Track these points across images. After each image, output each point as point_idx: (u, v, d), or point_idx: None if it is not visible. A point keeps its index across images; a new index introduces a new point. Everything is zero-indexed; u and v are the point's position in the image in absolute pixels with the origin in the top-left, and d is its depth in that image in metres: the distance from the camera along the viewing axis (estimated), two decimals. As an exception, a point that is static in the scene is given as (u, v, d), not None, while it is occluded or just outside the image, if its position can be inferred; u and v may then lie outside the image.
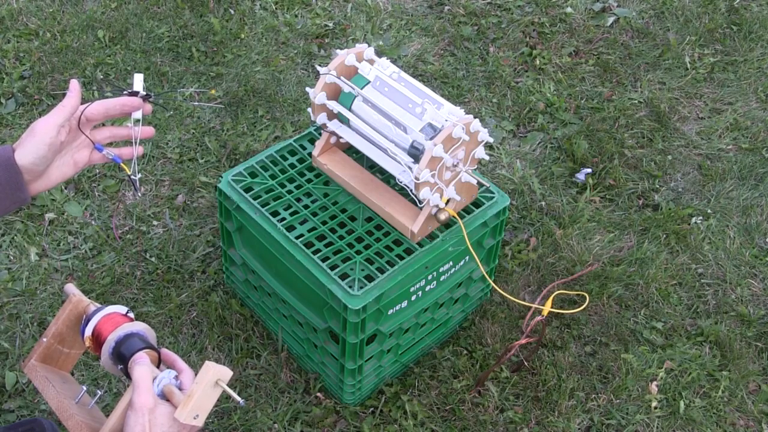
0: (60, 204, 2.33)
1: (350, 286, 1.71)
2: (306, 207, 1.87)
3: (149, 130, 1.45)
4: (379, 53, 2.64)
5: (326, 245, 1.80)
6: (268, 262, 1.92)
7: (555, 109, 2.72)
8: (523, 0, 3.12)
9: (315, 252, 1.77)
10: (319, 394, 1.97)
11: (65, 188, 2.36)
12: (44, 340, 1.38)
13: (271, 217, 1.82)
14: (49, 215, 2.30)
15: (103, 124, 1.45)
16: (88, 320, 1.32)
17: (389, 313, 1.82)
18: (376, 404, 1.96)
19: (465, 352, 2.08)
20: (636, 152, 2.61)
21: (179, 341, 2.06)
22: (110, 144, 1.46)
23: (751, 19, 3.06)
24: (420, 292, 1.87)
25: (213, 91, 2.69)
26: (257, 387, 1.99)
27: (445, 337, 2.10)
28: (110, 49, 2.81)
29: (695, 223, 2.41)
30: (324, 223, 1.84)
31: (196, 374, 1.23)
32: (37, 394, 1.94)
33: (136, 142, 1.43)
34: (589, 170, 2.53)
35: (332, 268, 1.74)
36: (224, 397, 1.95)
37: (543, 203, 2.43)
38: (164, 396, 1.24)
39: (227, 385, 1.23)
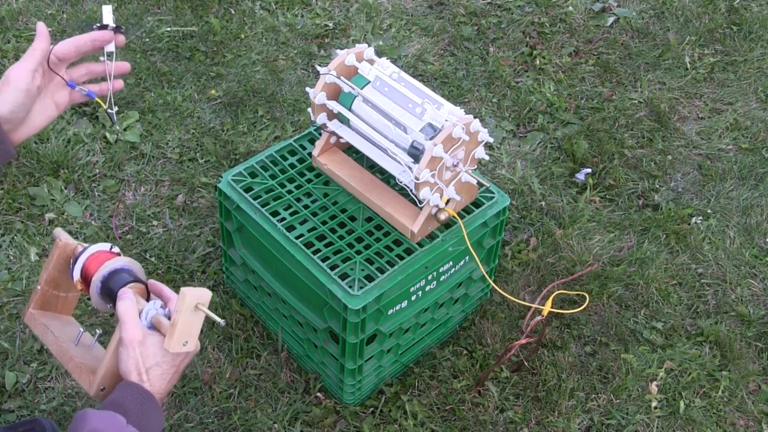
0: (60, 204, 2.33)
1: (350, 286, 1.71)
2: (306, 207, 1.87)
3: (124, 65, 1.43)
4: (379, 53, 2.64)
5: (326, 245, 1.80)
6: (268, 262, 1.92)
7: (555, 109, 2.72)
8: (523, 0, 3.12)
9: (315, 252, 1.77)
10: (319, 394, 1.97)
11: (65, 188, 2.37)
12: (39, 287, 1.37)
13: (271, 217, 1.82)
14: (49, 215, 2.30)
15: (81, 63, 1.43)
16: (75, 262, 1.31)
17: (389, 313, 1.82)
18: (376, 404, 1.96)
19: (465, 352, 2.08)
20: (636, 152, 2.61)
21: (179, 341, 2.06)
22: (89, 81, 1.43)
23: (751, 19, 3.06)
24: (420, 292, 1.87)
25: (213, 91, 2.70)
26: (257, 387, 1.99)
27: (445, 337, 2.10)
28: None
29: (695, 223, 2.42)
30: (324, 223, 1.84)
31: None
32: (37, 393, 1.94)
33: (110, 76, 1.41)
34: (589, 170, 2.53)
35: (332, 268, 1.74)
36: (225, 397, 1.95)
37: (543, 203, 2.43)
38: (154, 327, 1.24)
39: (208, 306, 1.23)
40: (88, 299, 1.38)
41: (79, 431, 1.11)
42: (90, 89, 1.41)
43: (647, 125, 2.69)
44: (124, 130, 2.55)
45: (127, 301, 1.22)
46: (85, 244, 1.34)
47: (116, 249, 1.33)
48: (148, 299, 1.30)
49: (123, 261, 1.30)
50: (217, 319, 1.24)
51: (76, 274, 1.31)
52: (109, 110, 1.42)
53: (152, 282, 1.31)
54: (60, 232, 1.37)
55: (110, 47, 1.40)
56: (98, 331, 1.36)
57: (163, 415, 1.27)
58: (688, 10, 3.08)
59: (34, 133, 1.37)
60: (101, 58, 1.41)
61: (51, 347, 1.34)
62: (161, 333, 1.23)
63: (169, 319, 1.24)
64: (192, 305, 1.22)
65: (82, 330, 1.35)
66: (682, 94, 2.81)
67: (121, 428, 1.13)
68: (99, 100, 1.42)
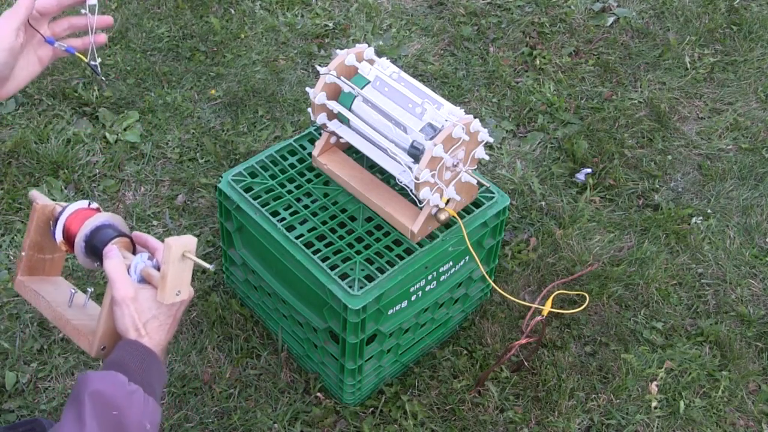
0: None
1: (350, 286, 1.71)
2: (306, 207, 1.87)
3: (107, 19, 1.42)
4: (379, 53, 2.64)
5: (326, 245, 1.80)
6: (268, 262, 1.92)
7: (555, 109, 2.72)
8: (523, 0, 3.12)
9: (315, 252, 1.77)
10: (319, 394, 1.97)
11: (65, 188, 2.37)
12: (23, 253, 1.35)
13: (271, 217, 1.82)
14: (49, 215, 2.30)
15: (63, 17, 1.42)
16: (56, 223, 1.29)
17: (389, 313, 1.82)
18: (376, 404, 1.96)
19: (465, 352, 2.08)
20: (636, 152, 2.61)
21: (179, 341, 2.06)
22: (72, 35, 1.42)
23: (751, 19, 3.06)
24: (420, 292, 1.87)
25: (213, 91, 2.70)
26: (257, 387, 1.99)
27: (445, 337, 2.10)
28: (110, 49, 2.81)
29: (695, 223, 2.42)
30: (324, 223, 1.84)
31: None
32: (37, 393, 1.94)
33: (92, 30, 1.40)
34: (589, 170, 2.53)
35: (332, 268, 1.75)
36: (225, 397, 1.95)
37: (543, 203, 2.43)
38: (145, 280, 1.23)
39: (194, 252, 1.22)
40: (74, 258, 1.37)
41: (81, 395, 1.11)
42: (72, 44, 1.40)
43: (647, 125, 2.69)
44: (124, 130, 2.55)
45: (114, 259, 1.21)
46: (64, 204, 1.31)
47: (95, 205, 1.30)
48: (134, 252, 1.29)
49: (104, 217, 1.28)
50: (205, 265, 1.22)
51: (59, 236, 1.29)
52: (92, 62, 1.41)
53: (137, 234, 1.29)
54: (36, 195, 1.34)
55: (92, 0, 1.39)
56: (90, 290, 1.34)
57: (165, 370, 1.26)
58: (688, 10, 3.08)
59: (19, 89, 1.36)
60: (83, 11, 1.39)
61: (45, 313, 1.32)
62: (153, 285, 1.22)
63: (158, 269, 1.23)
64: (179, 254, 1.20)
65: (73, 290, 1.32)
66: (682, 94, 2.81)
67: (123, 387, 1.13)
68: (79, 55, 1.41)
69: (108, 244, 1.24)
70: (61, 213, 1.29)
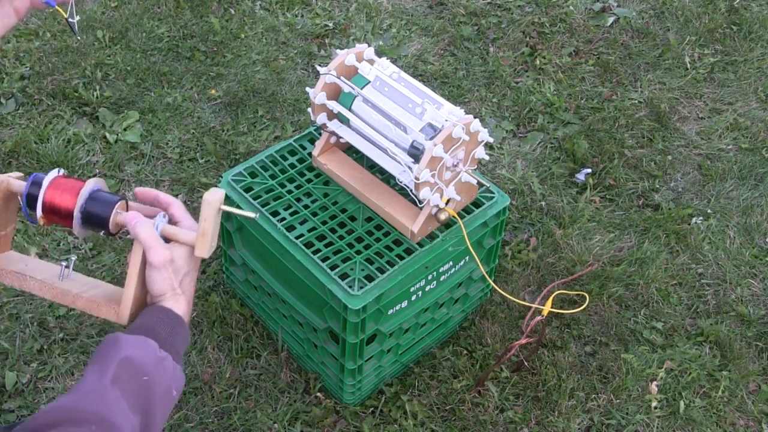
0: (60, 204, 2.33)
1: (350, 286, 1.71)
2: (306, 207, 1.87)
3: None
4: (379, 53, 2.64)
5: (326, 245, 1.80)
6: (268, 262, 1.92)
7: (555, 109, 2.72)
8: (523, 0, 3.12)
9: (315, 252, 1.77)
10: (319, 394, 1.97)
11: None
12: None
13: (271, 217, 1.82)
14: (49, 215, 2.30)
15: None
16: (31, 199, 1.23)
17: (389, 313, 1.82)
18: (376, 404, 1.96)
19: (465, 352, 2.08)
20: (636, 152, 2.61)
21: (179, 341, 2.06)
22: None
23: (751, 19, 3.06)
24: (420, 292, 1.87)
25: (213, 91, 2.70)
26: (257, 387, 1.99)
27: (445, 337, 2.10)
28: (110, 49, 2.81)
29: (695, 223, 2.42)
30: (324, 223, 1.84)
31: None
32: (37, 393, 1.94)
33: None
34: (589, 170, 2.53)
35: (332, 268, 1.74)
36: (225, 397, 1.95)
37: (543, 203, 2.43)
38: (166, 239, 1.22)
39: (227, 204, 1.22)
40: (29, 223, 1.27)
41: (111, 360, 1.10)
42: None
43: (647, 125, 2.69)
44: (124, 130, 2.55)
45: (145, 225, 1.20)
46: (19, 174, 1.27)
47: (63, 171, 1.26)
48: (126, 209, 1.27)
49: (93, 183, 1.25)
50: (248, 214, 1.25)
51: (39, 212, 1.23)
52: (70, 20, 1.38)
53: (144, 190, 1.27)
54: None
55: None
56: (73, 257, 1.31)
57: (189, 335, 1.25)
58: (688, 10, 3.08)
59: None
60: None
61: (41, 293, 1.27)
62: (175, 242, 1.22)
63: (175, 223, 1.23)
64: (217, 209, 1.21)
65: (64, 263, 1.28)
66: (682, 94, 2.81)
67: (155, 353, 1.13)
68: (59, 9, 1.39)
69: (112, 210, 1.22)
70: (31, 188, 1.23)
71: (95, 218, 1.23)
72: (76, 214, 1.22)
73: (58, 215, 1.24)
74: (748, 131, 2.70)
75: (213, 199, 1.21)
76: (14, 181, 1.26)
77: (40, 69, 2.71)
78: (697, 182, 2.55)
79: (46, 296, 1.27)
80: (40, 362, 2.00)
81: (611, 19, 3.05)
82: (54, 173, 1.24)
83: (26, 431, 1.03)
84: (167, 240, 1.22)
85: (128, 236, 1.27)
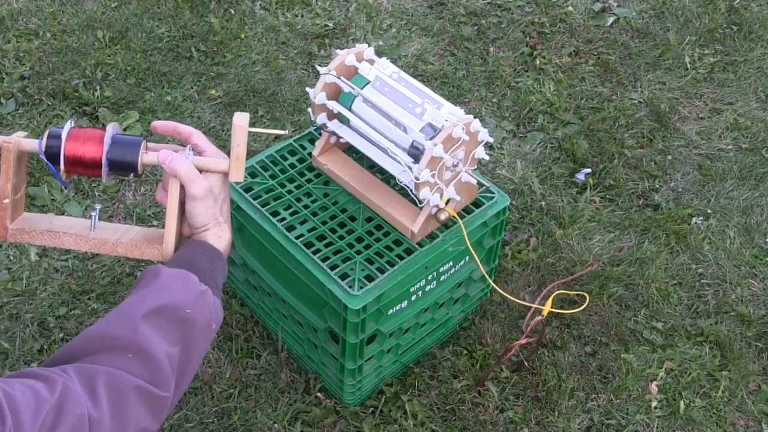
0: (60, 204, 2.33)
1: (350, 286, 1.71)
2: (306, 207, 1.87)
3: None
4: (379, 53, 2.64)
5: (326, 245, 1.80)
6: (268, 262, 1.92)
7: (555, 109, 2.72)
8: (523, 0, 3.12)
9: (315, 252, 1.77)
10: (319, 394, 1.97)
11: (65, 188, 2.36)
12: (6, 201, 1.26)
13: (271, 217, 1.82)
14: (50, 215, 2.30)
15: None
16: (51, 156, 1.22)
17: (389, 313, 1.82)
18: (376, 404, 1.96)
19: (465, 352, 2.08)
20: (636, 152, 2.61)
21: (179, 341, 2.06)
22: None
23: (751, 19, 3.06)
24: (420, 292, 1.87)
25: (213, 91, 2.70)
26: (257, 387, 1.99)
27: (445, 337, 2.10)
28: (110, 49, 2.81)
29: (695, 223, 2.42)
30: (324, 223, 1.84)
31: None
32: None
33: None
34: (589, 170, 2.53)
35: (332, 268, 1.74)
36: (225, 397, 1.95)
37: (543, 203, 2.43)
38: (198, 170, 1.23)
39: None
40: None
41: (145, 288, 1.11)
42: None
43: (647, 125, 2.69)
44: (124, 130, 2.55)
45: (182, 161, 1.20)
46: (25, 134, 1.25)
47: (73, 121, 1.26)
48: None
49: (112, 128, 1.25)
50: (277, 131, 1.31)
51: (63, 167, 1.23)
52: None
53: (164, 123, 1.28)
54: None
55: None
56: (98, 206, 1.30)
57: (227, 267, 1.27)
58: (688, 10, 3.08)
59: None
60: None
61: (78, 246, 1.26)
62: (209, 171, 1.24)
63: (200, 153, 1.25)
64: (246, 132, 1.24)
65: (94, 213, 1.27)
66: (682, 94, 2.81)
67: (195, 287, 1.14)
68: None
69: (138, 152, 1.22)
70: (49, 145, 1.22)
71: (123, 163, 1.23)
72: (104, 161, 1.22)
73: (82, 165, 1.23)
74: (748, 131, 2.70)
75: (243, 122, 1.22)
76: (25, 140, 1.24)
77: (40, 69, 2.71)
78: (697, 182, 2.55)
79: (84, 248, 1.26)
80: (40, 362, 2.00)
81: (611, 19, 3.05)
82: (69, 125, 1.23)
83: (66, 355, 1.05)
84: (200, 171, 1.23)
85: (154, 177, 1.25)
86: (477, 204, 1.89)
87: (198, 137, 1.25)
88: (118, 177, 1.27)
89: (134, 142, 1.24)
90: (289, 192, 1.90)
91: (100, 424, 1.00)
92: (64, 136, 1.22)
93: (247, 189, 1.89)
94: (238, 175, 1.23)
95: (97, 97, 2.63)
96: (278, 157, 1.96)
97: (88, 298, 2.13)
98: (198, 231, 1.22)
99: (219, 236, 1.23)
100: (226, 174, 1.24)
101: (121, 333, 1.06)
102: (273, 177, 1.93)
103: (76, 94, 2.63)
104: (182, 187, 1.21)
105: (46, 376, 0.99)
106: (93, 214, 1.27)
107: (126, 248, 1.26)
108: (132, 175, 1.25)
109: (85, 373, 1.02)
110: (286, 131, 1.26)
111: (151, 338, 1.07)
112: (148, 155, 1.24)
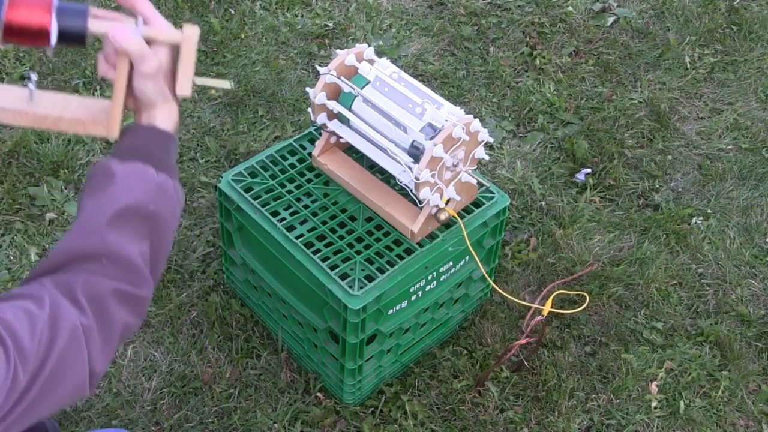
0: (60, 204, 2.33)
1: (350, 286, 1.71)
2: (306, 207, 1.87)
3: None
4: (379, 53, 2.63)
5: (326, 245, 1.80)
6: (268, 262, 1.92)
7: (555, 109, 2.72)
8: (523, 0, 3.12)
9: (315, 252, 1.77)
10: (319, 394, 1.97)
11: (65, 188, 2.37)
12: None
13: (271, 217, 1.82)
14: (50, 215, 2.30)
15: None
16: None
17: (389, 313, 1.82)
18: (376, 404, 1.96)
19: (465, 352, 2.08)
20: (636, 152, 2.61)
21: (179, 341, 2.06)
22: None
23: (751, 19, 3.06)
24: (420, 292, 1.87)
25: (213, 91, 2.70)
26: (257, 387, 1.99)
27: (445, 337, 2.10)
28: (110, 49, 2.80)
29: (695, 223, 2.42)
30: (324, 223, 1.84)
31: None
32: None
33: None
34: (589, 170, 2.53)
35: (332, 268, 1.75)
36: (225, 397, 1.95)
37: (543, 203, 2.43)
38: (147, 43, 1.15)
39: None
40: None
41: (103, 192, 1.07)
42: None
43: (647, 125, 2.69)
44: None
45: (133, 38, 1.12)
46: None
47: None
48: None
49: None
50: (220, 84, 1.20)
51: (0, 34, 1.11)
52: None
53: None
54: None
55: None
56: (34, 75, 1.20)
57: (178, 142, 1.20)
58: (688, 10, 3.08)
59: None
60: None
61: (17, 122, 1.17)
62: (158, 44, 1.15)
63: (147, 23, 1.16)
64: (196, 43, 1.15)
65: (30, 85, 1.17)
66: (682, 94, 2.81)
67: (153, 179, 1.10)
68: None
69: (86, 21, 1.12)
70: None
71: (72, 34, 1.13)
72: (53, 31, 1.11)
73: (27, 35, 1.12)
74: (748, 131, 2.70)
75: (193, 33, 1.14)
76: None
77: (40, 69, 2.71)
78: (697, 182, 2.55)
79: (24, 124, 1.18)
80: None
81: (611, 19, 3.05)
82: None
83: (42, 272, 1.04)
84: (148, 44, 1.14)
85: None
86: (477, 204, 1.90)
87: (143, 3, 1.17)
88: (64, 48, 1.17)
89: (81, 11, 1.13)
90: (289, 192, 1.90)
91: (92, 331, 1.01)
92: (5, 1, 1.10)
93: (247, 189, 1.89)
94: (186, 89, 1.14)
95: (98, 97, 2.63)
96: (278, 157, 1.96)
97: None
98: (146, 108, 1.15)
99: (169, 114, 1.16)
100: (175, 46, 1.15)
101: (90, 245, 1.04)
102: (273, 177, 1.93)
103: (77, 94, 2.63)
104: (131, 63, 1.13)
105: (31, 294, 0.99)
106: (29, 84, 1.16)
107: (69, 124, 1.17)
108: (76, 44, 1.14)
109: (62, 284, 1.02)
110: (231, 82, 1.18)
111: (120, 242, 1.05)
112: (96, 24, 1.14)
